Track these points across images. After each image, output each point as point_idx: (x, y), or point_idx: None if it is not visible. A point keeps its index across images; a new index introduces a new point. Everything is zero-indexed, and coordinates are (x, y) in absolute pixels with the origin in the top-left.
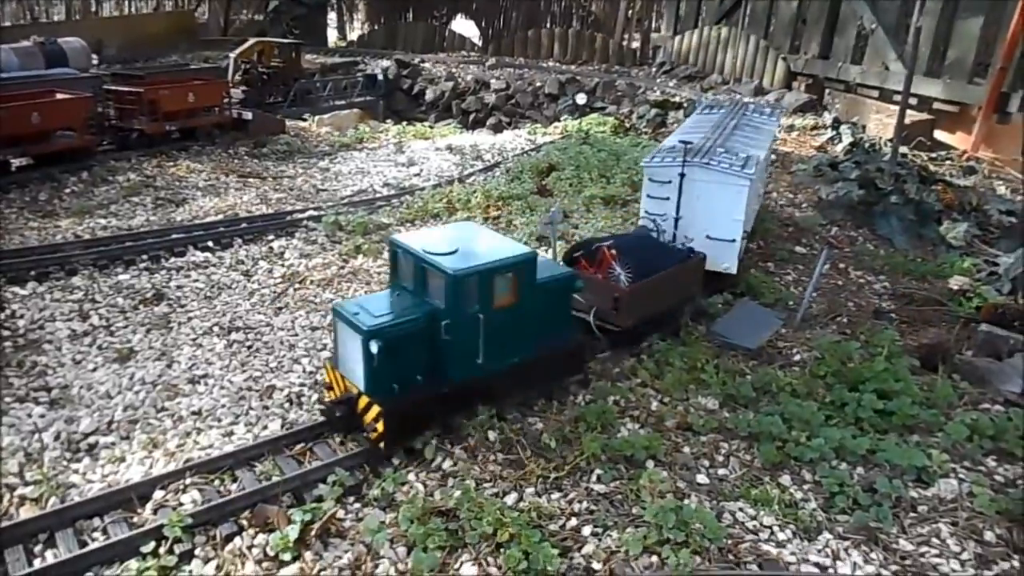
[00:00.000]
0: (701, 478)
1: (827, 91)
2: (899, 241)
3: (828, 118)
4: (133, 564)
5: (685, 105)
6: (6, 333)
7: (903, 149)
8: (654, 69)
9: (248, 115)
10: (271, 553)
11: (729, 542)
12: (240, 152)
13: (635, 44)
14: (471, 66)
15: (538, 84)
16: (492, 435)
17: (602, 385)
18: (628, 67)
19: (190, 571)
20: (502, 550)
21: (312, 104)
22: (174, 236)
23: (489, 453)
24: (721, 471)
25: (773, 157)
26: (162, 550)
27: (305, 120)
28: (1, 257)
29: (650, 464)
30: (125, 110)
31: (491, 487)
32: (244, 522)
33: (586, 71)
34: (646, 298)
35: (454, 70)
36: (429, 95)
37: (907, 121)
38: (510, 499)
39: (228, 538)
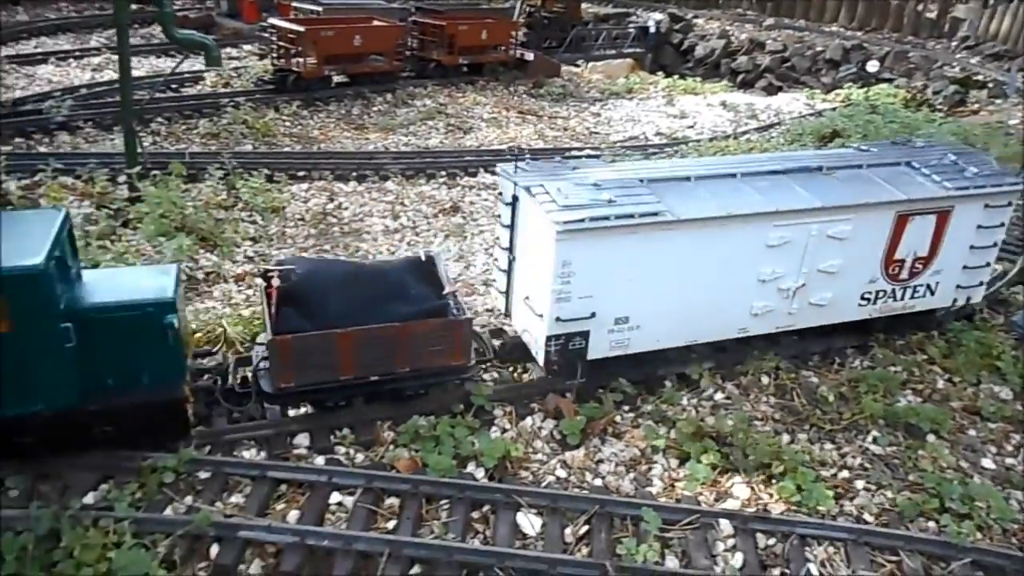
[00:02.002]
0: (987, 462)
1: None
2: None
3: None
4: (446, 419)
5: (990, 85)
6: (334, 220)
7: None
8: (954, 43)
9: (529, 56)
10: (557, 436)
11: (1016, 527)
12: (519, 90)
13: (932, 14)
14: (746, 24)
15: (819, 48)
16: (765, 379)
17: (886, 353)
18: (923, 38)
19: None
20: (774, 481)
21: (584, 51)
22: (467, 158)
23: (762, 394)
24: (1009, 460)
25: None
26: (469, 415)
27: (578, 66)
28: (328, 157)
29: (931, 438)
30: (426, 41)
31: (762, 425)
32: (535, 406)
33: (874, 39)
34: (318, 356)
35: (728, 27)
36: (699, 51)
37: None
38: (783, 440)
39: (522, 416)
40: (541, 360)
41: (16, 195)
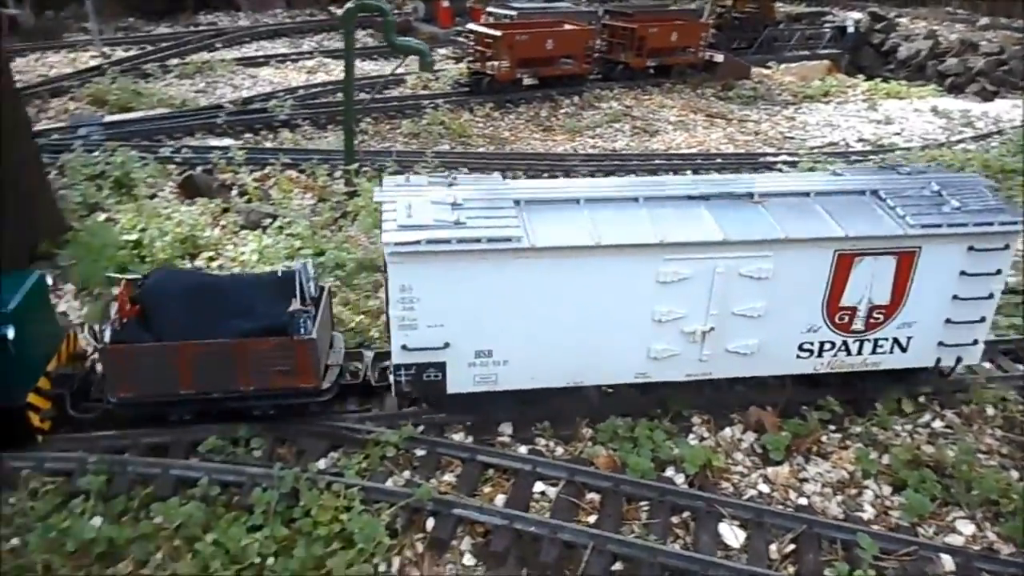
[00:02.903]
0: None
1: None
2: None
3: None
4: (644, 421)
5: None
6: None
7: None
8: None
9: (718, 58)
10: (758, 450)
11: None
12: (707, 93)
13: None
14: (956, 24)
15: None
16: (991, 410)
17: None
18: None
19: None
20: (1002, 520)
21: (776, 52)
22: (656, 162)
23: (987, 426)
24: None
25: None
26: (666, 420)
27: (768, 68)
28: (522, 158)
29: None
30: (614, 43)
31: (987, 458)
32: (735, 416)
33: None
34: (154, 369)
35: (935, 27)
36: (902, 52)
37: None
38: (1011, 476)
39: (720, 426)
40: (393, 390)
41: (252, 186)
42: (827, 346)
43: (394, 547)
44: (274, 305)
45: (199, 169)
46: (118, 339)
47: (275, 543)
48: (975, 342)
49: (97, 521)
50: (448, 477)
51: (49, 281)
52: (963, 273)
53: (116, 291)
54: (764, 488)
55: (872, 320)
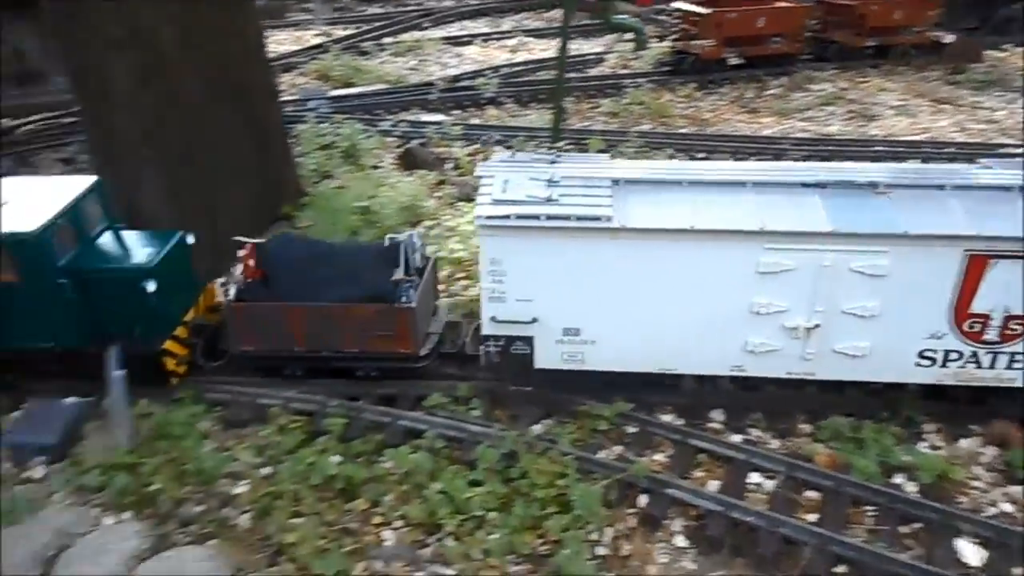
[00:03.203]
0: None
1: None
2: None
3: None
4: (870, 423)
5: None
6: None
7: None
8: None
9: (947, 38)
10: (1000, 466)
11: None
12: (932, 76)
13: None
14: None
15: None
16: None
17: None
18: None
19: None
20: None
21: (1012, 34)
22: (876, 148)
23: None
24: None
25: None
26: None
27: (1004, 50)
28: (728, 140)
29: None
30: (829, 22)
31: None
32: (975, 427)
33: None
34: (272, 326)
35: None
36: None
37: None
38: None
39: (955, 436)
40: (481, 361)
41: (465, 160)
42: (953, 355)
43: (609, 518)
44: (380, 273)
45: (416, 142)
46: (241, 297)
47: (495, 499)
48: None
49: (337, 459)
50: (659, 457)
51: (190, 240)
52: None
53: (242, 253)
54: (1007, 507)
55: (1008, 331)
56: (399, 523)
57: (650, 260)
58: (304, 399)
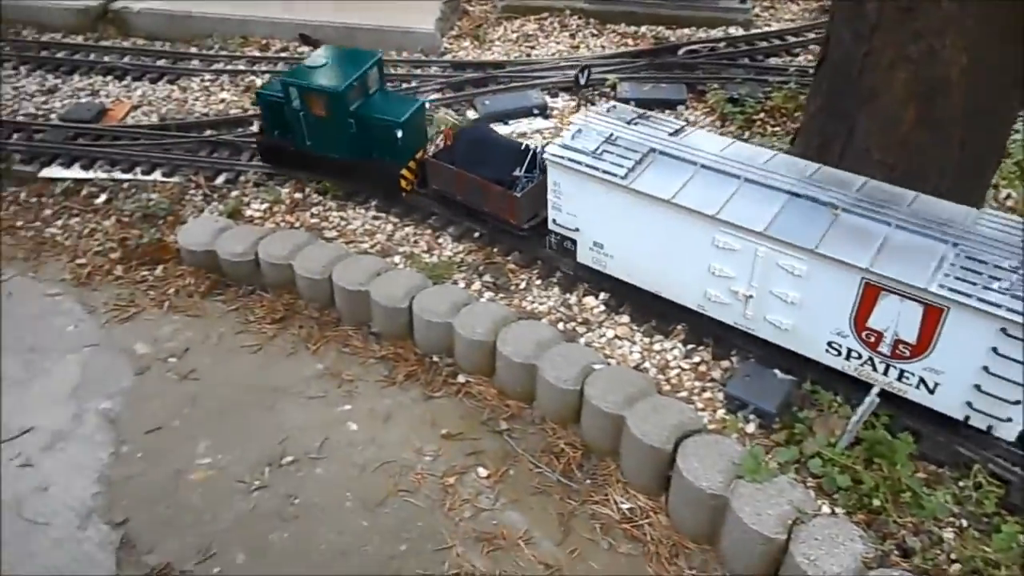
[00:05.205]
0: None
1: None
2: None
3: None
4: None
5: None
6: None
7: None
8: None
9: None
10: None
11: None
12: None
13: None
14: None
15: None
16: None
17: None
18: None
19: None
20: None
21: None
22: None
23: None
24: None
25: None
26: None
27: None
28: None
29: None
30: None
31: None
32: None
33: None
34: (446, 179)
35: None
36: None
37: None
38: None
39: None
40: (547, 244)
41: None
42: (854, 353)
43: None
44: (511, 166)
45: None
46: (434, 156)
47: None
48: (1009, 419)
49: None
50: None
51: (427, 105)
52: (995, 351)
53: (443, 129)
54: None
55: (898, 351)
56: None
57: (645, 215)
58: (1003, 467)
